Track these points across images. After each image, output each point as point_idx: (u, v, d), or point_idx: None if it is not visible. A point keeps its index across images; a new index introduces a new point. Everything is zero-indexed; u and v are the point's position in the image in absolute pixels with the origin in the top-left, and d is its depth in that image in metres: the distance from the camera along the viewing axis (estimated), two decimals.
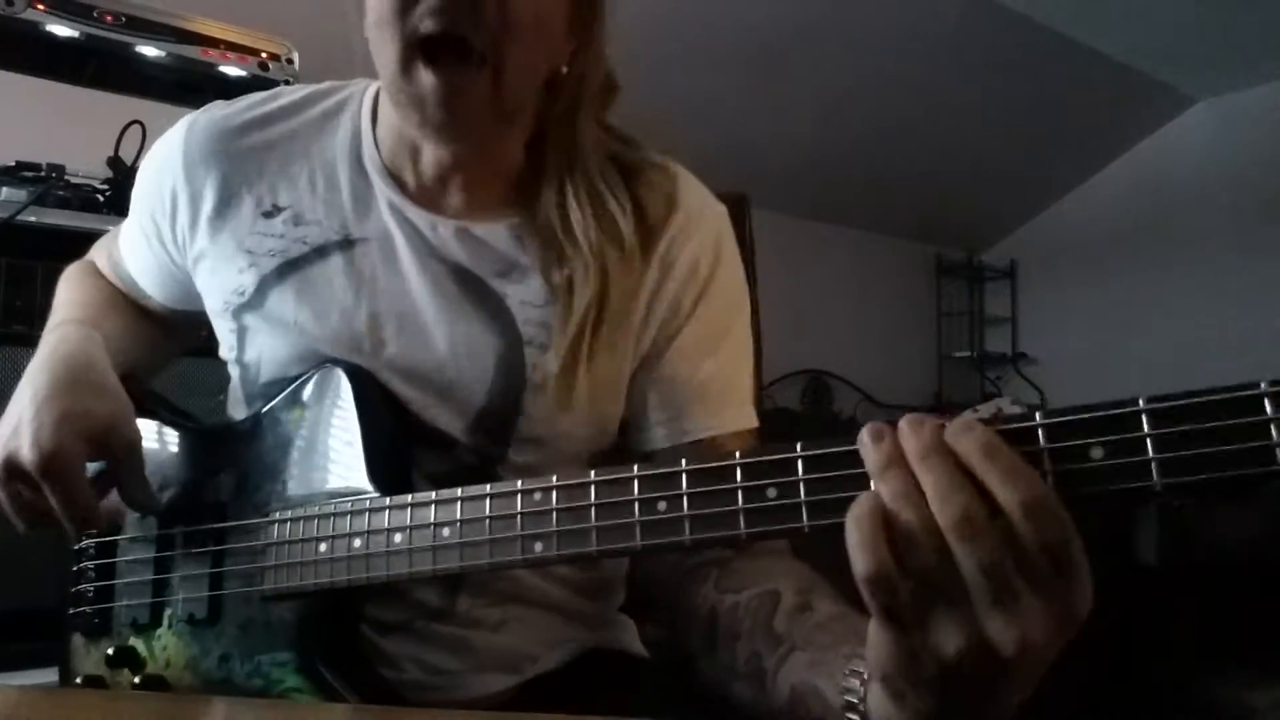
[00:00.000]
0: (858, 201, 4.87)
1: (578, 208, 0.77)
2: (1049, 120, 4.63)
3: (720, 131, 3.76)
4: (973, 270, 5.68)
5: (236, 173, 0.81)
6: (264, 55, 1.73)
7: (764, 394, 0.85)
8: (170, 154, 0.83)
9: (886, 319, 5.34)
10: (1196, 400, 0.43)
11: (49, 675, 0.89)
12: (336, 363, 0.75)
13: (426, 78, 0.68)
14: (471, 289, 0.78)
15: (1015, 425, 0.46)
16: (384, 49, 0.70)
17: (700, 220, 0.82)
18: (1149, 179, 5.10)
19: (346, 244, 0.79)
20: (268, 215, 0.80)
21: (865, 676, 0.52)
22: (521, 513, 0.60)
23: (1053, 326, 5.46)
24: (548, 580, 0.82)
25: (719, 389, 0.80)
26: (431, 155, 0.77)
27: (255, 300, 0.80)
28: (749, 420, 0.81)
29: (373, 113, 0.82)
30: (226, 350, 0.84)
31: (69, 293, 0.91)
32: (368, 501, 0.68)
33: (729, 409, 0.80)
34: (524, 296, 0.77)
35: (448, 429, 0.76)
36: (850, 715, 0.53)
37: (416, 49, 0.68)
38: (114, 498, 0.76)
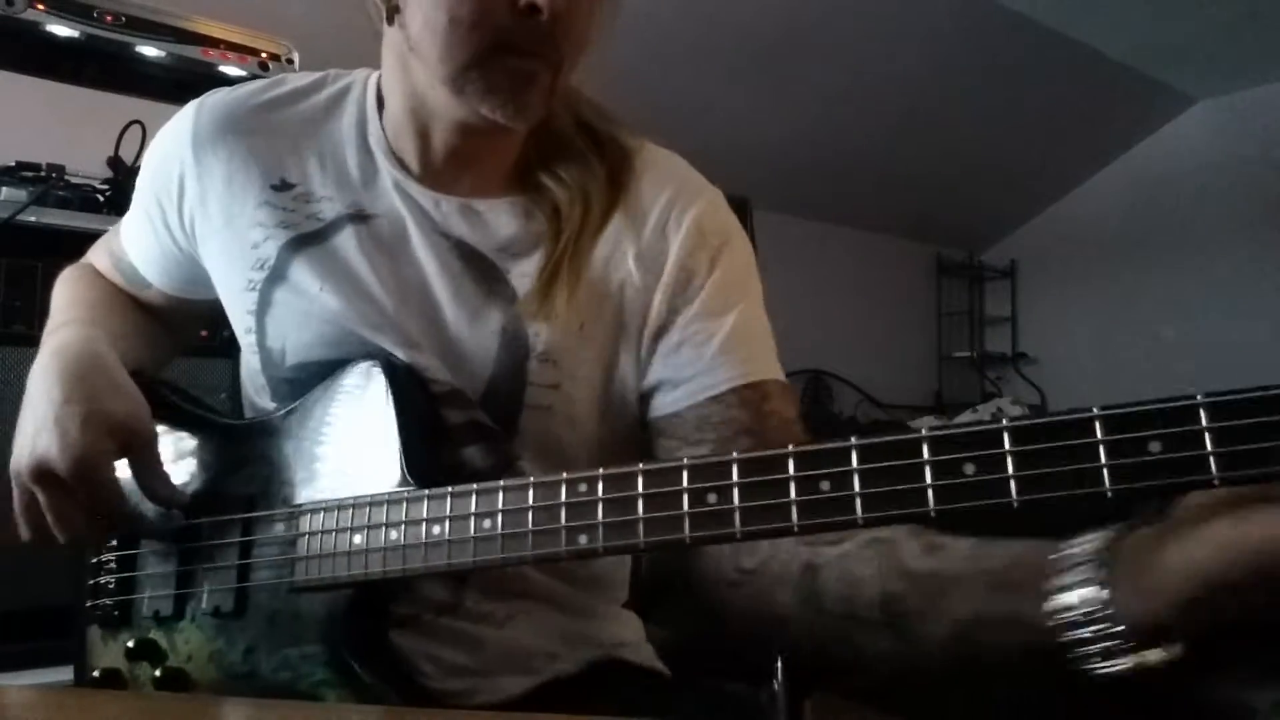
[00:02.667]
0: (858, 201, 4.87)
1: (559, 159, 0.81)
2: (1049, 120, 4.63)
3: (720, 132, 3.76)
4: (973, 270, 5.69)
5: (245, 150, 0.82)
6: (264, 55, 1.73)
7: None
8: (178, 136, 0.84)
9: (886, 319, 5.34)
10: (1256, 395, 0.43)
11: (58, 674, 0.89)
12: (370, 357, 0.75)
13: (512, 62, 0.72)
14: (475, 264, 0.79)
15: (1071, 418, 0.46)
16: (455, 45, 0.71)
17: (697, 192, 0.83)
18: (1149, 179, 5.10)
19: (359, 218, 0.81)
20: (276, 189, 0.81)
21: (1095, 576, 0.49)
22: (566, 503, 0.59)
23: (1053, 326, 5.46)
24: (553, 576, 0.82)
25: (749, 339, 0.79)
26: (443, 139, 0.79)
27: (278, 272, 0.80)
28: (778, 373, 0.80)
29: (376, 97, 0.84)
30: (244, 333, 0.83)
31: (66, 295, 0.91)
32: (405, 493, 0.67)
33: (759, 358, 0.79)
34: (525, 270, 0.78)
35: (462, 407, 0.77)
36: (1073, 632, 0.49)
37: (494, 42, 0.71)
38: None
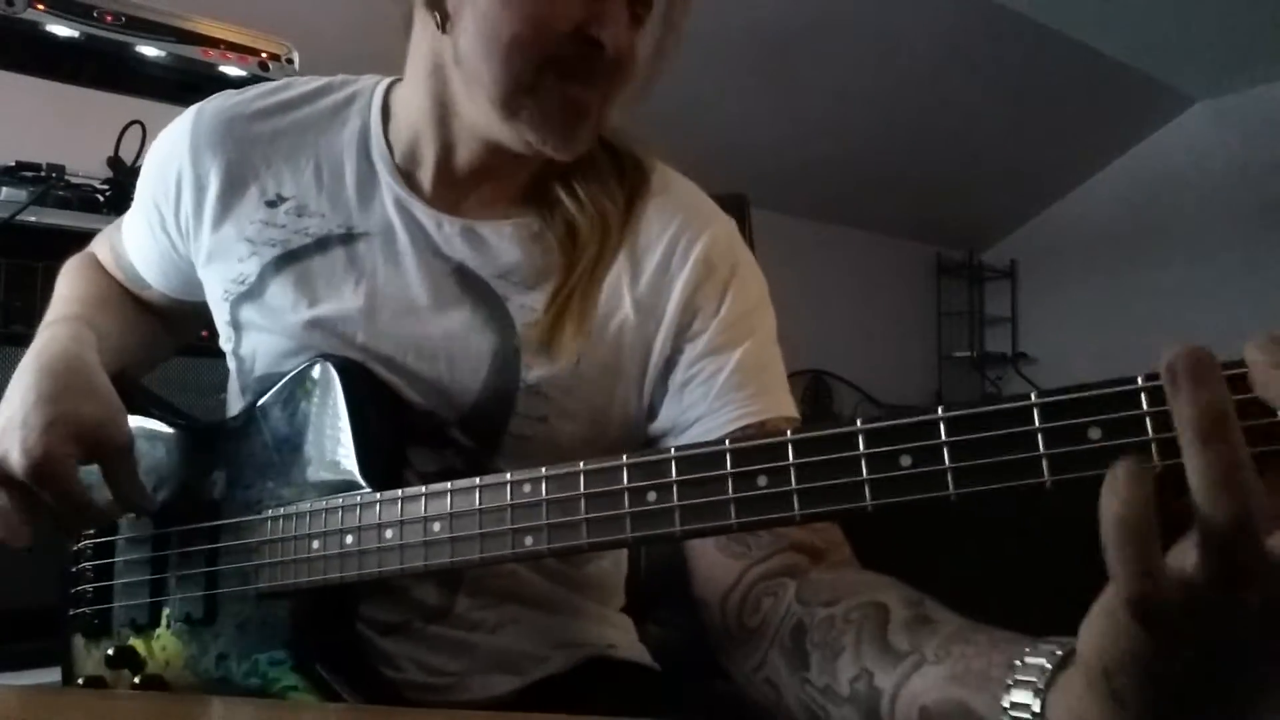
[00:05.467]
0: (858, 201, 4.87)
1: (578, 175, 0.79)
2: (1049, 120, 4.63)
3: (721, 131, 3.76)
4: (973, 270, 5.69)
5: (243, 161, 0.81)
6: (264, 55, 1.73)
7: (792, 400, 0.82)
8: (177, 140, 0.83)
9: (886, 319, 5.35)
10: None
11: (49, 675, 0.89)
12: (328, 357, 0.75)
13: (572, 90, 0.71)
14: (473, 289, 0.78)
15: (1008, 406, 0.44)
16: (514, 66, 0.70)
17: (706, 223, 0.81)
18: (1149, 179, 5.10)
19: (348, 237, 0.79)
20: (271, 205, 0.80)
21: (1041, 684, 0.46)
22: (512, 504, 0.60)
23: (1053, 326, 5.46)
24: (547, 579, 0.81)
25: (758, 373, 0.76)
26: (469, 155, 0.78)
27: (256, 289, 0.79)
28: (790, 409, 0.78)
29: (382, 109, 0.82)
30: (224, 341, 0.84)
31: (66, 288, 0.91)
32: (359, 497, 0.67)
33: (768, 393, 0.76)
34: (525, 301, 0.77)
35: (440, 425, 0.76)
36: None
37: (553, 67, 0.70)
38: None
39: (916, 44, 3.86)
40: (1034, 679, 0.46)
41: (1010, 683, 0.47)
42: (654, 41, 0.74)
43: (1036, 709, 0.45)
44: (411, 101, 0.79)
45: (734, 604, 0.68)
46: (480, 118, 0.74)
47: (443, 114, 0.77)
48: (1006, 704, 0.46)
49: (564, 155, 0.74)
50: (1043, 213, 5.57)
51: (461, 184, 0.79)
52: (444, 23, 0.73)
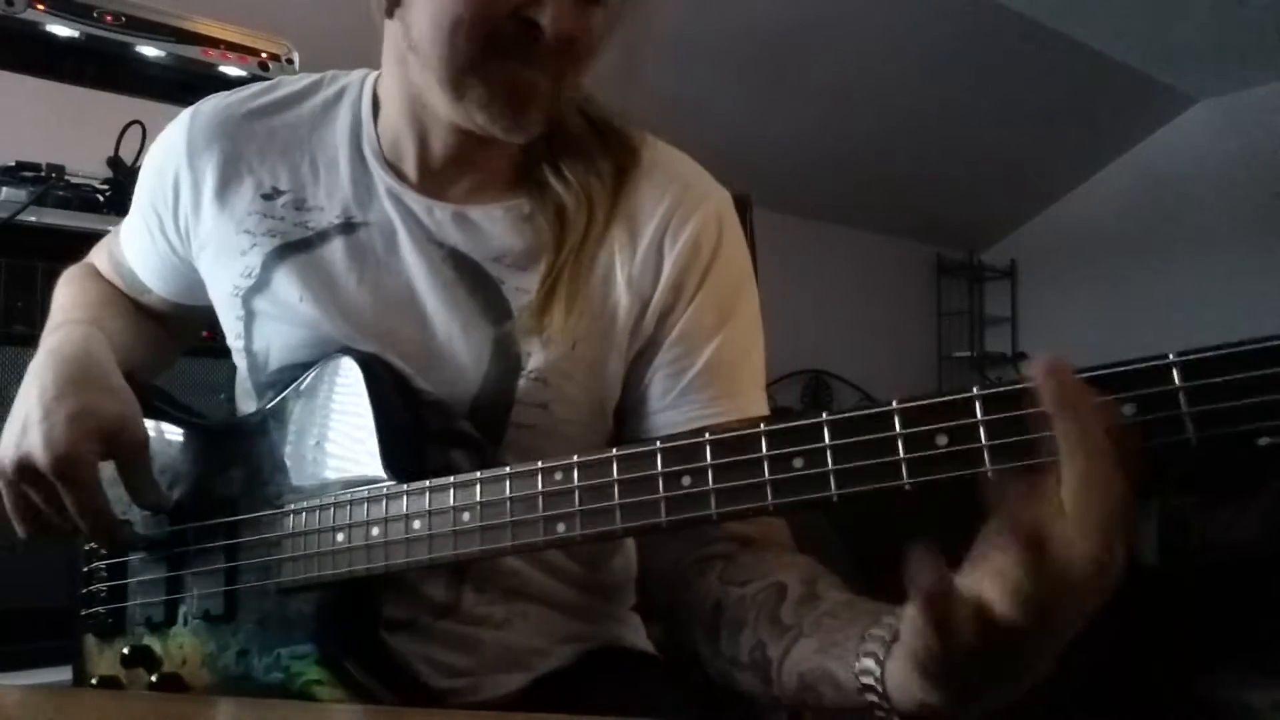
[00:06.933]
0: (858, 201, 4.87)
1: (566, 156, 0.79)
2: (1049, 120, 4.63)
3: (721, 131, 3.75)
4: (973, 270, 5.69)
5: (238, 157, 0.82)
6: (264, 55, 1.72)
7: (765, 393, 0.83)
8: (174, 143, 0.84)
9: (886, 319, 5.35)
10: (1230, 351, 0.42)
11: (58, 674, 0.89)
12: (346, 351, 0.75)
13: (514, 70, 0.71)
14: (468, 273, 0.78)
15: (1029, 386, 0.46)
16: (457, 46, 0.70)
17: (700, 199, 0.80)
18: (1149, 179, 5.10)
19: (348, 227, 0.80)
20: (267, 197, 0.81)
21: (881, 656, 0.52)
22: (543, 492, 0.60)
23: (1053, 326, 5.46)
24: (553, 577, 0.81)
25: (726, 372, 0.77)
26: (443, 142, 0.78)
27: (262, 281, 0.80)
28: (760, 406, 0.79)
29: (372, 102, 0.83)
30: (233, 339, 0.83)
31: (68, 295, 0.91)
32: (384, 488, 0.67)
33: (737, 394, 0.77)
34: (520, 283, 0.77)
35: (449, 416, 0.77)
36: (868, 696, 0.53)
37: (495, 48, 0.70)
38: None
39: (916, 44, 3.86)
40: (876, 650, 0.53)
41: (860, 653, 0.54)
42: (618, 19, 0.74)
43: (878, 674, 0.52)
44: (388, 93, 0.80)
45: (674, 579, 0.74)
46: (438, 102, 0.75)
47: (412, 104, 0.78)
48: (857, 670, 0.53)
49: (515, 137, 0.74)
50: (1043, 213, 5.57)
51: (444, 172, 0.79)
52: (391, 7, 0.74)
